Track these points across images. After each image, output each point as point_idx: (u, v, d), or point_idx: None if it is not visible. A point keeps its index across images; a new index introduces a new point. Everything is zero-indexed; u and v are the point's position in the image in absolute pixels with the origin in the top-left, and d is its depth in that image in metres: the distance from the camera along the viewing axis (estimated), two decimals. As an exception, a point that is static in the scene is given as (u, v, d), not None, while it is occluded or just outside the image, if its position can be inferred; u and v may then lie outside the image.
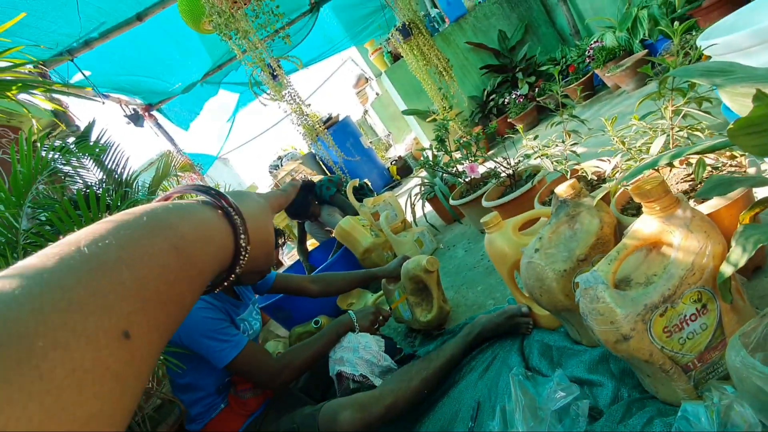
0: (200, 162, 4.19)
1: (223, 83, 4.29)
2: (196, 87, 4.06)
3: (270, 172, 5.75)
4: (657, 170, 0.92)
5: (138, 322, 0.22)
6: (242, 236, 0.34)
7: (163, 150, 4.45)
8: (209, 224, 0.32)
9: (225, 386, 1.18)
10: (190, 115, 4.33)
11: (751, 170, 0.80)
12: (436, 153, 2.15)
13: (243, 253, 0.34)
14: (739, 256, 0.58)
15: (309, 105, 2.49)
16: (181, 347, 1.09)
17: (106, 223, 0.25)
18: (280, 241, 1.31)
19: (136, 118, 3.98)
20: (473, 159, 1.86)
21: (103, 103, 3.34)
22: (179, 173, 2.89)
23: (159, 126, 4.27)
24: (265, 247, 0.39)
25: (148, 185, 2.38)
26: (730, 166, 0.87)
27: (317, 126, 2.83)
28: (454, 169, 2.10)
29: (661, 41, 2.80)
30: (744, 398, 0.50)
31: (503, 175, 1.73)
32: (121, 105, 3.88)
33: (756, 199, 0.82)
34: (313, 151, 5.69)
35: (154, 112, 4.22)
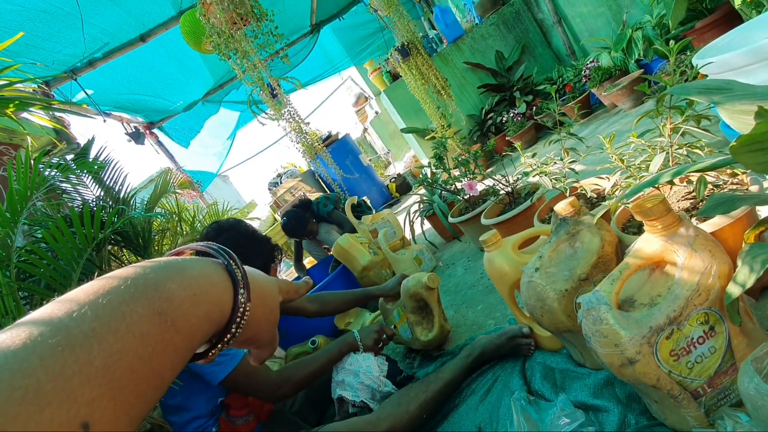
0: (200, 179, 4.20)
1: (224, 102, 4.34)
2: (198, 105, 4.11)
3: (269, 190, 5.76)
4: (657, 188, 0.91)
5: (102, 409, 0.20)
6: (242, 290, 0.31)
7: (163, 167, 4.47)
8: (204, 279, 0.30)
9: (217, 408, 1.14)
10: (191, 133, 4.36)
11: (754, 188, 0.79)
12: (434, 171, 2.15)
13: (242, 309, 0.31)
14: (746, 276, 0.56)
15: (308, 123, 2.50)
16: None
17: (91, 286, 0.24)
18: (278, 258, 1.30)
19: (137, 136, 4.01)
20: (472, 177, 1.86)
21: (105, 121, 3.37)
22: (178, 190, 2.89)
23: (160, 144, 4.30)
24: (268, 313, 0.36)
25: (146, 202, 2.37)
26: (732, 183, 0.86)
27: (316, 144, 2.85)
28: (453, 186, 2.10)
29: (656, 61, 2.84)
30: (759, 427, 0.47)
31: (502, 192, 1.72)
32: (122, 123, 3.91)
33: (759, 218, 0.81)
34: (313, 169, 5.71)
35: (155, 130, 4.25)
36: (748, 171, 0.80)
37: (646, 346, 0.60)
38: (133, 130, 4.04)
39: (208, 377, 1.04)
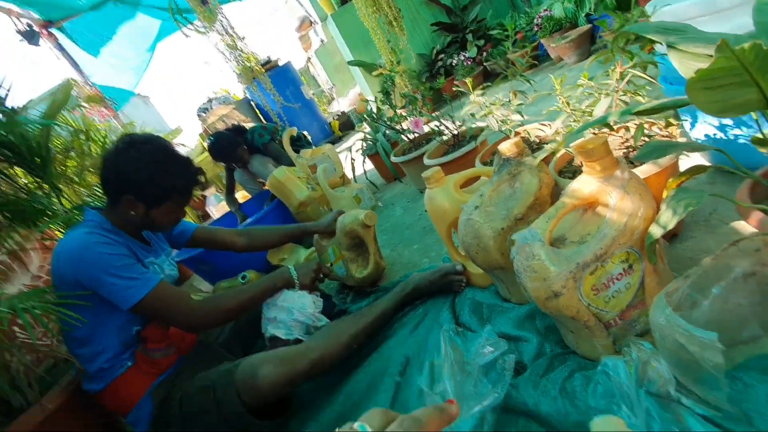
0: (113, 96, 3.66)
1: (143, 6, 3.71)
2: (108, 6, 3.46)
3: (198, 116, 5.23)
4: (596, 134, 0.92)
5: None
6: None
7: (67, 78, 3.82)
8: None
9: (132, 340, 1.05)
10: (101, 39, 3.71)
11: (682, 140, 0.82)
12: (380, 106, 2.05)
13: None
14: (669, 218, 0.58)
15: (243, 38, 2.23)
16: (79, 288, 0.94)
17: None
18: (201, 181, 1.14)
19: (30, 36, 3.35)
20: (418, 114, 1.80)
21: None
22: (85, 104, 2.49)
23: (61, 48, 3.63)
24: None
25: (43, 114, 2.01)
26: (661, 136, 0.90)
27: (255, 66, 2.57)
28: (399, 125, 2.03)
29: (604, 17, 2.88)
30: (662, 354, 0.52)
31: (447, 134, 1.70)
32: (10, 17, 3.22)
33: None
34: (249, 97, 5.25)
35: (54, 31, 3.56)
36: (679, 123, 0.83)
37: (571, 280, 0.62)
38: (27, 27, 3.35)
39: (118, 302, 0.94)
